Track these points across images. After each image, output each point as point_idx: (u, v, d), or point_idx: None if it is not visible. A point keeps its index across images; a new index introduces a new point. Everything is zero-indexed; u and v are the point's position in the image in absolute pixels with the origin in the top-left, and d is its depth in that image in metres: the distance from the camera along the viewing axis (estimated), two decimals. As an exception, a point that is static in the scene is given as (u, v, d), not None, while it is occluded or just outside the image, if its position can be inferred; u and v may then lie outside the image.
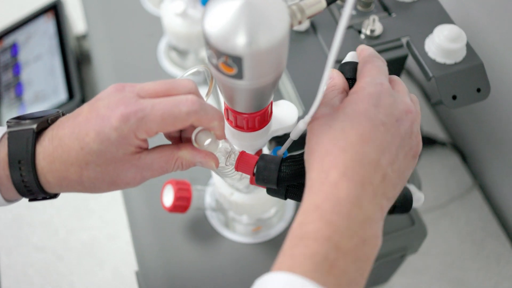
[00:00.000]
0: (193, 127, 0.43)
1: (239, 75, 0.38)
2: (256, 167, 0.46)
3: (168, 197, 0.60)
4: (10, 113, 0.92)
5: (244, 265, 0.64)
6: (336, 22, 0.62)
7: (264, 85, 0.40)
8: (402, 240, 0.65)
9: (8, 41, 1.01)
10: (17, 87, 0.94)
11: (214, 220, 0.66)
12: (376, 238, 0.38)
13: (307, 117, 0.43)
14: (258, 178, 0.46)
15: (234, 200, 0.58)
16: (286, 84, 0.60)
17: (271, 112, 0.48)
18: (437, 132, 0.97)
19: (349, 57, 0.47)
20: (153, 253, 0.65)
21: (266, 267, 0.65)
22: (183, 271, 0.64)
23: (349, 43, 0.60)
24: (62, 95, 0.90)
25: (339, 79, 0.45)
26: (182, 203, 0.60)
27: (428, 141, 0.94)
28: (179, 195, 0.60)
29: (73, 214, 0.88)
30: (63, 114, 0.46)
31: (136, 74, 0.83)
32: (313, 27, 0.62)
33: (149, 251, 0.65)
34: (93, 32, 0.88)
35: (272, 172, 0.45)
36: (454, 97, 0.57)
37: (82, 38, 1.04)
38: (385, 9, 0.63)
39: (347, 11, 0.36)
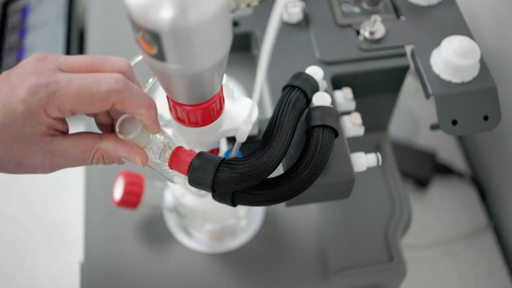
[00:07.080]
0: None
1: (160, 56, 0.32)
2: (190, 165, 0.39)
3: (118, 190, 0.54)
4: (8, 76, 0.89)
5: (193, 274, 0.58)
6: (334, 18, 0.54)
7: (196, 72, 0.33)
8: (375, 277, 0.57)
9: (21, 3, 0.98)
10: (19, 51, 0.91)
11: (171, 222, 0.60)
12: None
13: (248, 118, 0.36)
14: (191, 180, 0.39)
15: (185, 203, 0.51)
16: (263, 80, 0.53)
17: (221, 107, 0.41)
18: (456, 160, 0.86)
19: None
20: (100, 247, 0.60)
21: (216, 280, 0.58)
22: (128, 271, 0.58)
23: (345, 44, 0.52)
24: (59, 65, 0.86)
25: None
26: (131, 199, 0.54)
27: (444, 170, 0.84)
28: (128, 189, 0.53)
29: (51, 190, 0.84)
30: None
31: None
32: (306, 20, 0.54)
33: (97, 244, 0.60)
34: (93, 4, 0.83)
35: (207, 174, 0.38)
36: (454, 122, 0.48)
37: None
38: (395, 10, 0.55)
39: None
